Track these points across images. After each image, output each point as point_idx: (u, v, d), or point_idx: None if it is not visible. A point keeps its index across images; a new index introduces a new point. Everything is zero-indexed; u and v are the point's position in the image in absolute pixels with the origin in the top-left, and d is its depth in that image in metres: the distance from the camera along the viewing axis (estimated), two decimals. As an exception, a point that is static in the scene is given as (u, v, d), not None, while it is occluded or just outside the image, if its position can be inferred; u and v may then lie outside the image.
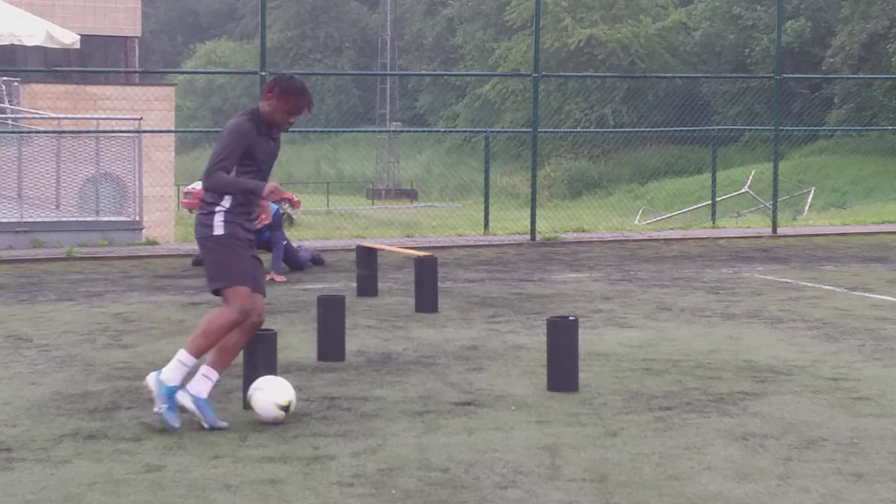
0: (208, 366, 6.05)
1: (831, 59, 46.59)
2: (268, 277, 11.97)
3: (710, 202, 20.57)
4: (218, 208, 6.06)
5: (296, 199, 38.31)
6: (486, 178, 19.70)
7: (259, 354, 6.38)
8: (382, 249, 11.57)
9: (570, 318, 7.03)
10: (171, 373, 5.93)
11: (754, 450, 5.54)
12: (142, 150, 16.94)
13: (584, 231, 18.04)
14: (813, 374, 7.30)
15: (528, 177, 19.97)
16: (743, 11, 52.39)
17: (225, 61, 74.77)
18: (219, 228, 6.05)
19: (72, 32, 23.69)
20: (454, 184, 52.02)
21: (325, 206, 44.24)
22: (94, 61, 30.81)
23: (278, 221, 12.38)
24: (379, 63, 72.22)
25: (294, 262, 12.79)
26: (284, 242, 12.55)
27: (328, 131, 69.27)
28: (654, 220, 31.07)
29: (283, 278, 12.03)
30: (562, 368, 6.84)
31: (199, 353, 6.01)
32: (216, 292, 6.16)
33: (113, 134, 18.20)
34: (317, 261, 13.28)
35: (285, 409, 6.01)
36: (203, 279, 12.05)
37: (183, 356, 5.98)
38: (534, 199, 17.01)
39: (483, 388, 6.86)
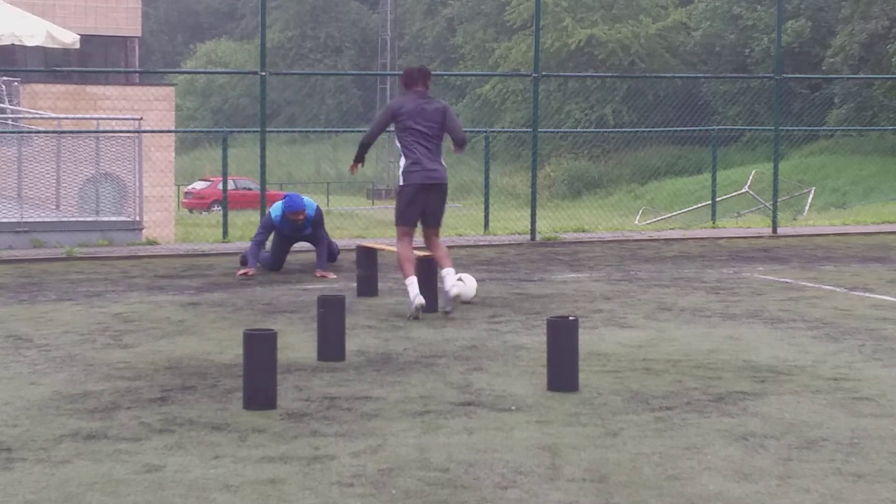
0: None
1: (831, 59, 46.59)
2: (318, 274, 12.15)
3: (710, 202, 20.54)
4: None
5: None
6: (487, 178, 19.69)
7: (259, 354, 6.39)
8: (382, 249, 11.56)
9: (570, 318, 7.03)
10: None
11: (754, 450, 5.54)
12: (142, 150, 16.92)
13: (584, 231, 18.02)
14: (813, 374, 7.30)
15: (528, 177, 19.94)
16: (743, 11, 52.39)
17: (225, 61, 74.76)
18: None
19: (72, 32, 23.71)
20: (454, 184, 51.65)
21: (325, 206, 44.20)
22: (94, 61, 30.81)
23: (320, 218, 12.44)
24: (379, 63, 72.20)
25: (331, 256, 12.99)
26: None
27: (328, 131, 69.26)
28: (654, 220, 31.07)
29: (335, 275, 12.12)
30: (562, 368, 6.83)
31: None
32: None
33: (113, 134, 18.16)
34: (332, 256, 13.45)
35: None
36: (201, 279, 12.14)
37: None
38: (534, 199, 17.00)
39: (483, 388, 6.86)
